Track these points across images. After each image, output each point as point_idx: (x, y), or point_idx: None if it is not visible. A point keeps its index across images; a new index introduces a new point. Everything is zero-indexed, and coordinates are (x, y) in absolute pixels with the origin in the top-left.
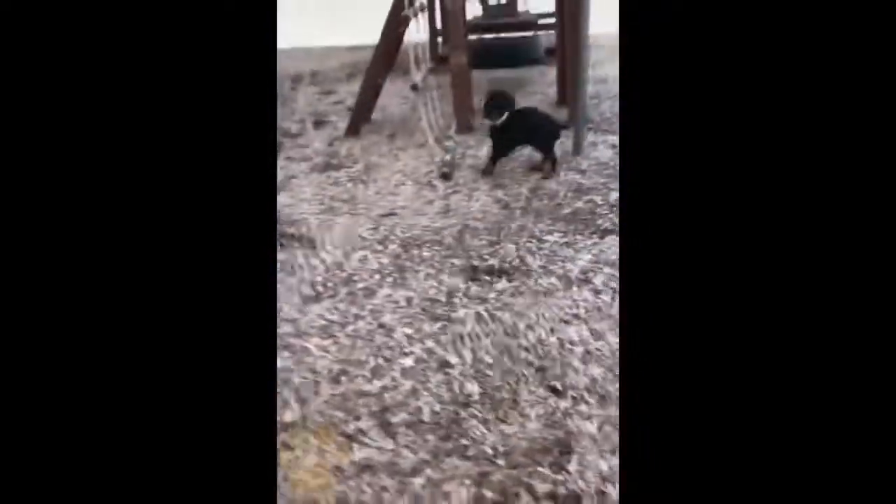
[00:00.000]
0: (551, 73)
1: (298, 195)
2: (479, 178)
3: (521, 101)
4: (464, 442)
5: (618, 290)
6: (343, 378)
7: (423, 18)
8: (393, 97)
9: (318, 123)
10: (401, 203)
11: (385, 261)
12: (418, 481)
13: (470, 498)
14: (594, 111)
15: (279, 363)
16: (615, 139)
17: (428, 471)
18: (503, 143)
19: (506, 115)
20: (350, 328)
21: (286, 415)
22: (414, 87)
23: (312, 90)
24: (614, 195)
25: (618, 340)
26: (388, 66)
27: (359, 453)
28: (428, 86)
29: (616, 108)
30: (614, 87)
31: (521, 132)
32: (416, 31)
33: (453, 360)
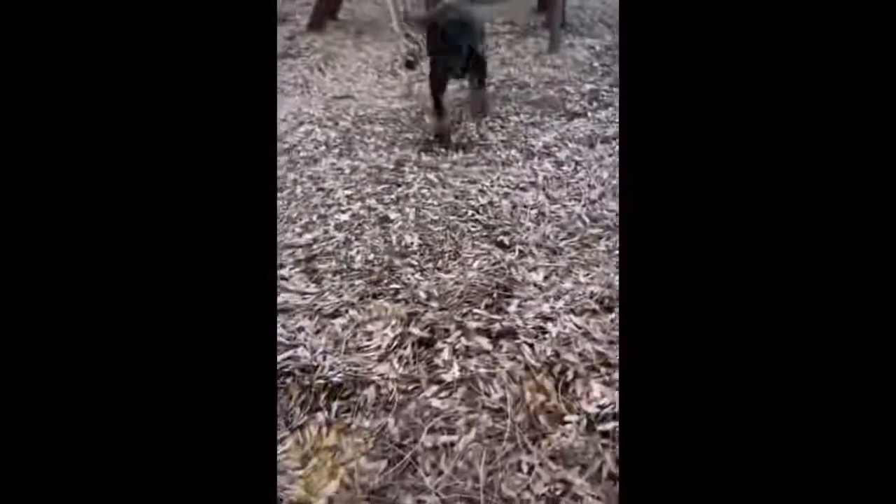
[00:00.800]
0: None
1: None
2: None
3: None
4: (395, 286)
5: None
6: None
7: None
8: (366, 3)
9: (282, 21)
10: (359, 88)
11: (333, 134)
12: (340, 321)
13: (395, 336)
14: (574, 19)
15: None
16: (592, 41)
17: (351, 312)
18: (452, 47)
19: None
20: (286, 192)
21: None
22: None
23: None
24: (587, 86)
25: (575, 206)
26: None
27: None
28: None
29: (595, 18)
30: (595, 2)
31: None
32: None
33: (394, 216)
